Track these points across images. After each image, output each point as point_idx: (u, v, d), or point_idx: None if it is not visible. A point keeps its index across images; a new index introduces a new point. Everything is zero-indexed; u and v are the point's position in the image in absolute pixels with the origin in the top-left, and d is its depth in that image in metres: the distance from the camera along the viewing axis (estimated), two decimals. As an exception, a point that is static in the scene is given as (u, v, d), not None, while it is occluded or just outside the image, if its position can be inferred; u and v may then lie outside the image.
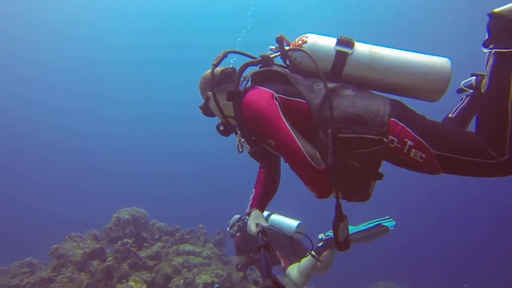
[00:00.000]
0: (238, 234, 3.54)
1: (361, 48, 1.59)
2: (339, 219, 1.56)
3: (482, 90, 1.40)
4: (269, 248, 1.21)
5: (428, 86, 1.53)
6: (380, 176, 1.52)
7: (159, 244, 6.10)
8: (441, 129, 1.44)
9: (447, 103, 1.78)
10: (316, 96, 1.52)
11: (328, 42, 1.62)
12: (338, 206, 1.55)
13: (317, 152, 1.46)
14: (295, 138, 1.42)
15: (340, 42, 1.60)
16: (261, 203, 1.85)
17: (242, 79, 1.69)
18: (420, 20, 19.02)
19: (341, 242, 1.61)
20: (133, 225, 6.04)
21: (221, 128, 1.78)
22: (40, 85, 24.32)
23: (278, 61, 1.80)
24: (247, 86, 1.70)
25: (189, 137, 22.55)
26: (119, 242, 5.46)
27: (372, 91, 1.63)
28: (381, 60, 1.55)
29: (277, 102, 1.49)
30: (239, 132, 1.66)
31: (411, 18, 19.13)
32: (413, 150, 1.40)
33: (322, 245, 2.83)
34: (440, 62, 1.52)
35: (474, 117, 1.65)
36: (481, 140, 1.36)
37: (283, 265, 3.12)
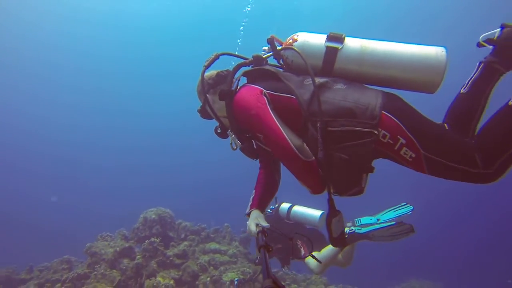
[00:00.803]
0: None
1: (352, 43, 1.58)
2: (332, 214, 1.55)
3: (511, 103, 1.30)
4: (269, 248, 1.23)
5: (423, 77, 1.48)
6: (370, 169, 1.51)
7: (186, 243, 6.24)
8: (435, 131, 1.40)
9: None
10: (306, 92, 1.53)
11: (318, 39, 1.62)
12: (330, 201, 1.54)
13: (305, 144, 1.47)
14: (281, 129, 1.45)
15: (330, 38, 1.59)
16: (261, 203, 1.88)
17: (235, 79, 1.73)
18: (433, 14, 18.50)
19: (335, 238, 1.58)
20: (160, 225, 6.22)
21: (219, 130, 1.81)
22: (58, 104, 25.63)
23: (274, 61, 1.83)
24: (239, 85, 1.74)
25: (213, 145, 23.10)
26: (146, 241, 5.66)
27: (366, 84, 1.61)
28: (372, 53, 1.53)
29: (265, 98, 1.53)
30: (230, 129, 1.71)
31: (424, 13, 18.50)
32: (404, 148, 1.37)
33: (347, 237, 2.79)
34: (434, 52, 1.46)
35: (491, 94, 1.48)
36: (470, 147, 1.33)
37: (303, 253, 3.09)
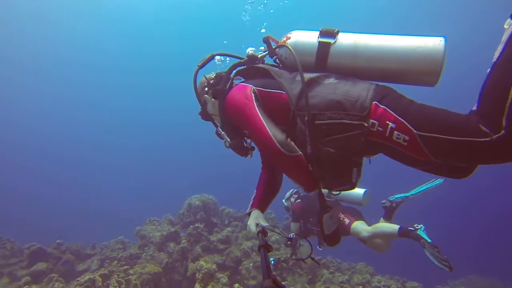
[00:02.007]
0: (298, 201, 3.70)
1: (345, 37, 1.54)
2: (323, 210, 1.52)
3: (493, 60, 1.15)
4: (269, 248, 1.23)
5: (419, 68, 1.39)
6: (359, 164, 1.48)
7: (229, 229, 6.34)
8: (427, 109, 1.28)
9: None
10: (296, 87, 1.52)
11: (311, 35, 1.61)
12: (320, 196, 1.50)
13: (289, 139, 1.45)
14: (264, 124, 1.46)
15: (322, 34, 1.58)
16: (262, 203, 1.87)
17: (230, 78, 1.78)
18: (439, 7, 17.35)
19: (328, 236, 1.57)
20: (204, 211, 6.38)
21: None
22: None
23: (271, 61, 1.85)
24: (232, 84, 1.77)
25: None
26: (191, 226, 5.84)
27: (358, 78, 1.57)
28: (365, 47, 1.48)
29: (253, 94, 1.56)
30: (221, 127, 1.75)
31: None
32: (395, 132, 1.28)
33: (413, 229, 2.92)
34: (431, 42, 1.37)
35: None
36: (472, 118, 1.17)
37: (348, 221, 3.36)
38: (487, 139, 1.10)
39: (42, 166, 25.14)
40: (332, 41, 1.54)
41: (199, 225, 5.85)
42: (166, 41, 26.17)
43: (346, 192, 3.23)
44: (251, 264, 5.54)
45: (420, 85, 1.45)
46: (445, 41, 1.35)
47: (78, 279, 4.81)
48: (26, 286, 5.08)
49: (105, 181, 25.33)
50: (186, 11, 23.42)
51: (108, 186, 24.45)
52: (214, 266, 5.13)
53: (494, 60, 1.14)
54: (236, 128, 1.70)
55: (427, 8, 18.47)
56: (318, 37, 1.57)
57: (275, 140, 1.41)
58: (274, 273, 5.38)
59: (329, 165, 1.43)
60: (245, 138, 1.76)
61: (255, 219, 1.72)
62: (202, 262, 5.19)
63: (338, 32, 1.55)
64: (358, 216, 3.45)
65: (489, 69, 1.16)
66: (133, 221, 7.04)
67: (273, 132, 1.44)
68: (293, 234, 3.60)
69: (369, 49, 1.47)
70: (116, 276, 4.71)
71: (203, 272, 4.86)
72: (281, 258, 5.47)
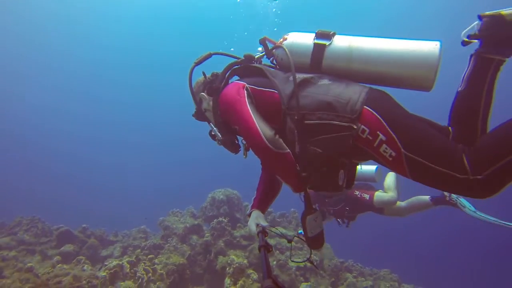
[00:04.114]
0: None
1: (340, 39, 1.56)
2: (307, 211, 1.54)
3: None
4: (269, 248, 1.26)
5: (414, 73, 1.38)
6: (346, 166, 1.48)
7: (252, 225, 6.26)
8: (419, 129, 1.29)
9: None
10: (289, 87, 1.54)
11: (307, 37, 1.64)
12: (306, 198, 1.53)
13: (277, 136, 1.47)
14: (254, 120, 1.48)
15: (318, 35, 1.60)
16: (262, 203, 1.91)
17: (226, 77, 1.80)
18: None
19: (310, 238, 1.56)
20: (227, 205, 6.34)
21: (213, 133, 1.84)
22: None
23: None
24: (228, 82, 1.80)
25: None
26: (215, 220, 5.81)
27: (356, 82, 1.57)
28: (360, 49, 1.49)
29: (245, 91, 1.58)
30: (214, 123, 1.78)
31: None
32: (384, 145, 1.30)
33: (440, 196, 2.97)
34: (426, 46, 1.36)
35: (494, 87, 1.30)
36: (459, 150, 1.21)
37: (368, 195, 3.39)
38: (465, 177, 1.15)
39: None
40: (327, 43, 1.56)
41: (223, 219, 5.82)
42: (179, 39, 26.56)
43: (361, 170, 3.35)
44: (274, 263, 5.46)
45: (414, 89, 1.45)
46: (441, 45, 1.33)
47: (105, 263, 4.89)
48: (59, 265, 5.19)
49: (125, 177, 26.63)
50: (189, 10, 23.69)
51: (131, 182, 25.66)
52: (245, 262, 5.06)
53: None
54: (227, 125, 1.73)
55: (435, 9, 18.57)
56: (314, 39, 1.60)
57: (263, 136, 1.44)
58: (297, 273, 5.31)
59: (315, 165, 1.45)
60: (237, 135, 1.79)
61: (255, 219, 1.75)
62: (233, 257, 5.14)
63: (334, 34, 1.57)
64: (373, 189, 3.46)
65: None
66: (155, 214, 7.12)
67: (262, 128, 1.46)
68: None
69: (363, 53, 1.48)
70: (143, 264, 4.75)
71: (234, 266, 4.80)
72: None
